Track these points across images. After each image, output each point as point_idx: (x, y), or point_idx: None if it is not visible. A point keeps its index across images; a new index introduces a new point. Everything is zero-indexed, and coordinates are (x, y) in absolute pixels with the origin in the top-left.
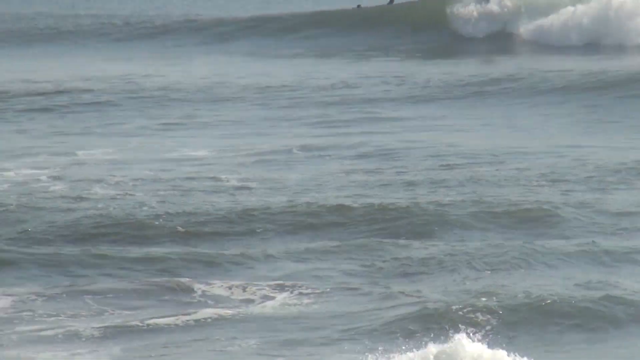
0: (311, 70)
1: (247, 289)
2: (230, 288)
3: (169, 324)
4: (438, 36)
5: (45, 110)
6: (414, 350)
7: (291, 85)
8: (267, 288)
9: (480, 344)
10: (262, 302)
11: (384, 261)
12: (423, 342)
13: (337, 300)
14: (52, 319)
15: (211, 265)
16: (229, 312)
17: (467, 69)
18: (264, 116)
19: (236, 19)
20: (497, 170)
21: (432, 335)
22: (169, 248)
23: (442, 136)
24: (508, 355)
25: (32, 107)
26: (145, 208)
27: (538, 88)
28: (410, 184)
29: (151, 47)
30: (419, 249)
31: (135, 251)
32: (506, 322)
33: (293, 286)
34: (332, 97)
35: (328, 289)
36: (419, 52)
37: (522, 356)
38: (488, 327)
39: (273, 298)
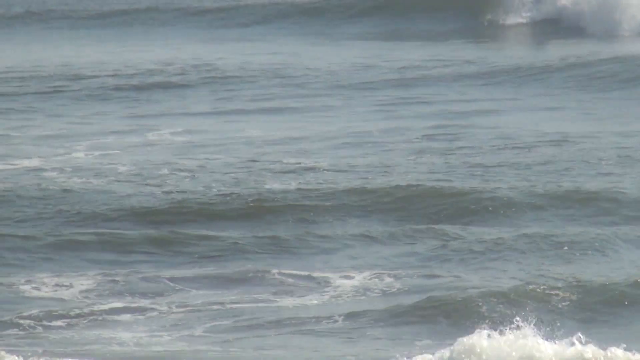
0: (378, 53)
1: (323, 270)
2: (306, 269)
3: (250, 306)
4: (497, 20)
5: (116, 91)
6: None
7: (359, 68)
8: (343, 269)
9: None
10: (341, 282)
11: (454, 243)
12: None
13: (413, 281)
14: (130, 300)
15: (283, 247)
16: (309, 292)
17: (531, 52)
18: (333, 99)
19: (301, 1)
20: (566, 153)
21: (506, 319)
22: (240, 229)
23: (511, 118)
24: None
25: (104, 89)
26: (214, 189)
27: (604, 72)
28: (479, 166)
29: (224, 29)
30: (489, 233)
31: (207, 233)
32: (583, 305)
33: (370, 267)
34: (400, 80)
35: (403, 271)
36: (482, 36)
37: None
38: (564, 304)
39: (352, 278)
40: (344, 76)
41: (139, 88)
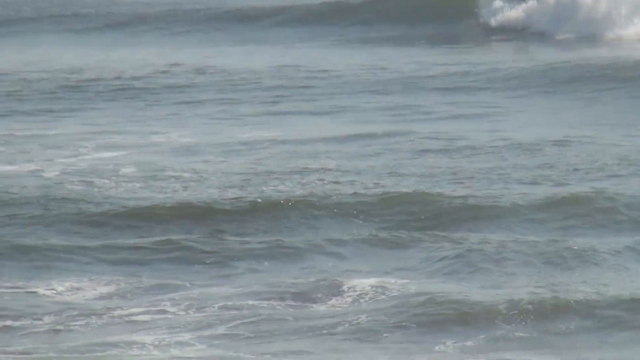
0: (383, 58)
1: (334, 274)
2: (318, 273)
3: (268, 311)
4: (483, 24)
5: (122, 93)
6: None
7: (362, 72)
8: (354, 273)
9: None
10: (354, 286)
11: (461, 248)
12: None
13: (425, 286)
14: (147, 303)
15: (292, 250)
16: (324, 296)
17: (529, 56)
18: (338, 101)
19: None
20: (567, 156)
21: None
22: (247, 232)
23: (511, 122)
24: None
25: (110, 91)
26: (221, 192)
27: (607, 77)
28: (484, 170)
29: (235, 33)
30: (496, 239)
31: (215, 236)
32: (601, 316)
33: (380, 271)
34: (404, 83)
35: (413, 276)
36: (482, 41)
37: None
38: (582, 313)
39: (364, 282)
40: (349, 80)
41: (145, 90)
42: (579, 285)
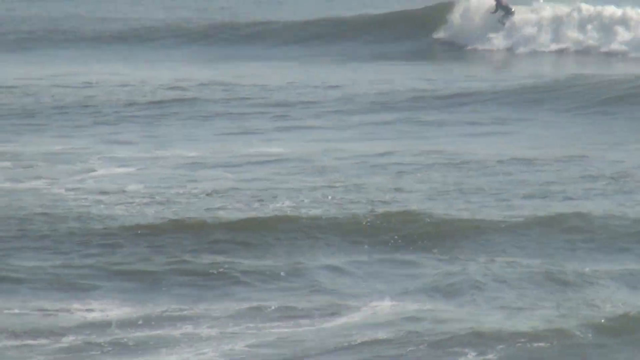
0: (389, 73)
1: (342, 291)
2: (328, 292)
3: (287, 330)
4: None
5: (131, 108)
6: None
7: (368, 88)
8: (362, 293)
9: None
10: (368, 304)
11: (463, 271)
12: None
13: (425, 307)
14: (167, 323)
15: (301, 269)
16: (338, 313)
17: (499, 74)
18: (348, 118)
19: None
20: (566, 175)
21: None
22: (255, 253)
23: (498, 140)
24: None
25: (119, 107)
26: (224, 207)
27: (594, 95)
28: (478, 192)
29: (240, 51)
30: (495, 262)
31: (220, 256)
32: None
33: (385, 292)
34: (410, 101)
35: (414, 298)
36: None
37: None
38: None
39: (378, 302)
40: (357, 95)
41: (154, 107)
42: (595, 303)
